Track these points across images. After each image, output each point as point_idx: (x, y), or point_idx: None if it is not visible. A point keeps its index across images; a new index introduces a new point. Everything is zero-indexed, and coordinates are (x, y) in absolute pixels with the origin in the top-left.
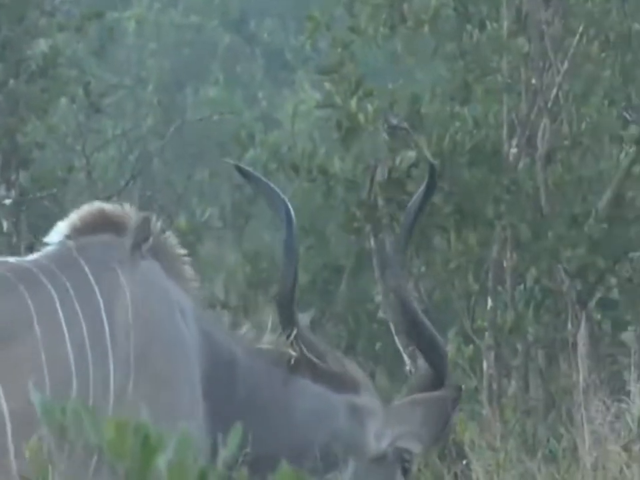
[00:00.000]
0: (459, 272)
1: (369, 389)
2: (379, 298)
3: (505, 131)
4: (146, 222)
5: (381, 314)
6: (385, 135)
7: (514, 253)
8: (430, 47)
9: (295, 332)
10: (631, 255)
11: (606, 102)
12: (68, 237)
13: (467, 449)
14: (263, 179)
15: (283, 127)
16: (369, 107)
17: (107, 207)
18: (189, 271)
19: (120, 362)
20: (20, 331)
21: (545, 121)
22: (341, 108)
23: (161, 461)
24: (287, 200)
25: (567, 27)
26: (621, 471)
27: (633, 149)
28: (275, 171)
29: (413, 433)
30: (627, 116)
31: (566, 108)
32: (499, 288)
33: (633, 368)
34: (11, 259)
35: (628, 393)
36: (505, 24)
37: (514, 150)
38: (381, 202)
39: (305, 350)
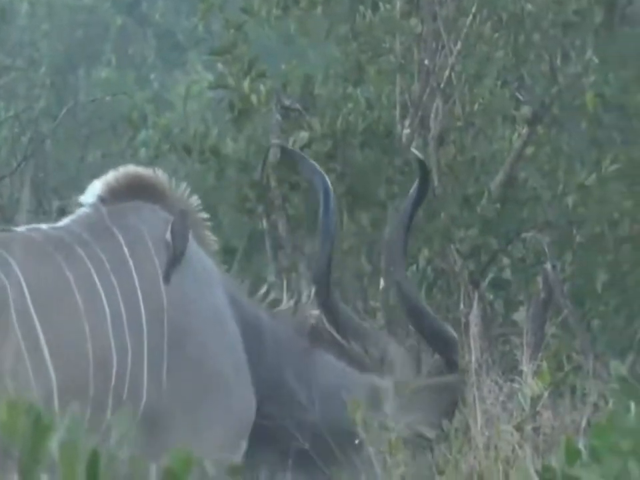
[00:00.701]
0: (351, 252)
1: (395, 372)
2: (271, 278)
3: (397, 112)
4: (184, 219)
5: (272, 295)
6: (277, 116)
7: None
8: (323, 28)
9: (323, 303)
10: (523, 235)
11: (499, 82)
12: (101, 198)
13: (359, 429)
14: (306, 157)
15: (175, 108)
16: (262, 88)
17: (143, 171)
18: (209, 235)
19: (154, 343)
20: (61, 298)
21: (438, 102)
22: (233, 89)
23: (53, 442)
24: (327, 178)
25: (460, 7)
26: (513, 450)
27: (525, 130)
28: (167, 152)
29: (427, 419)
30: (520, 97)
31: (459, 89)
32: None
33: (525, 348)
34: (43, 226)
35: (520, 373)
36: (398, 5)
37: (407, 131)
38: (273, 183)
39: (328, 325)
